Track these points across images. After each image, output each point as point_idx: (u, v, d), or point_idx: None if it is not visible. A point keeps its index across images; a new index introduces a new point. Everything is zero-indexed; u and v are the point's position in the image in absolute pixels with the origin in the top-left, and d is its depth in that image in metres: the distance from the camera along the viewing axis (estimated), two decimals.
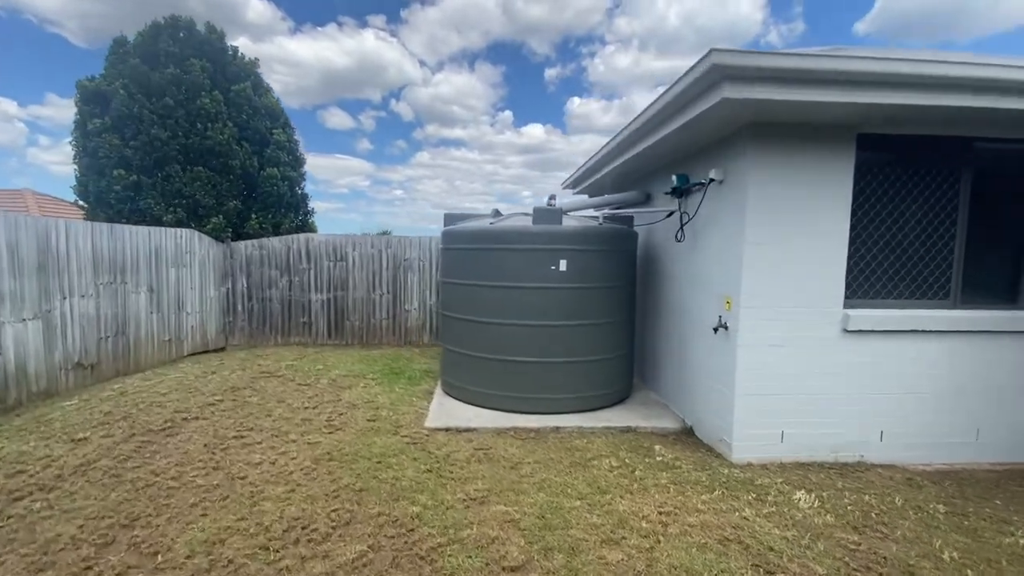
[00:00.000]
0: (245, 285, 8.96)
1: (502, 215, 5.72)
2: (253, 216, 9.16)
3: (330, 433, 4.52)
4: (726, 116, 3.71)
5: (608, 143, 5.86)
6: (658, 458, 4.16)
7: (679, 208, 5.00)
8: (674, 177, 5.00)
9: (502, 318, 5.09)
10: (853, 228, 4.04)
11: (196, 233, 8.10)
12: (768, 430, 4.12)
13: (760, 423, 4.10)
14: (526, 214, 5.65)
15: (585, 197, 7.87)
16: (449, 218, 6.01)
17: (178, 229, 7.72)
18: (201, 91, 8.90)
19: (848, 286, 4.08)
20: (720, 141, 4.34)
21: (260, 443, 4.24)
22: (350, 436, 4.45)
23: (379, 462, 3.89)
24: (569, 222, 5.17)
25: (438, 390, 5.89)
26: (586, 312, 5.06)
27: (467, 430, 4.70)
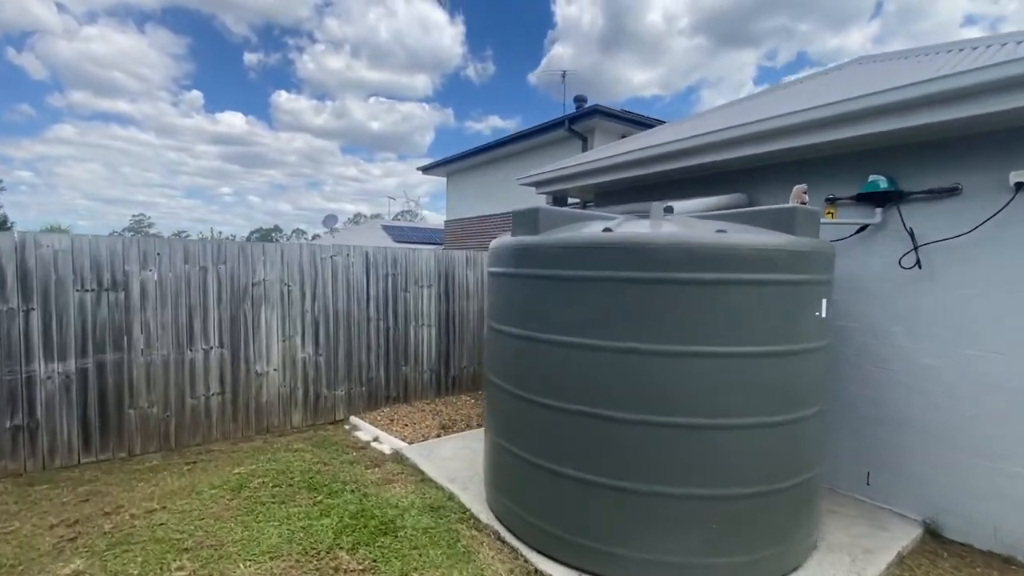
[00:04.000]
0: None
1: (657, 212, 3.19)
2: None
3: None
4: None
5: (738, 125, 4.05)
6: None
7: (902, 222, 3.59)
8: (880, 180, 3.59)
9: (701, 415, 2.65)
10: None
11: None
12: None
13: None
14: (665, 215, 3.29)
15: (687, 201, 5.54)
16: (539, 219, 3.08)
17: None
18: None
19: None
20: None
21: None
22: None
23: None
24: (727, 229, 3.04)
25: (553, 567, 2.92)
26: (815, 392, 3.03)
27: None
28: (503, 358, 3.33)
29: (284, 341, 5.48)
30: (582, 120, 10.97)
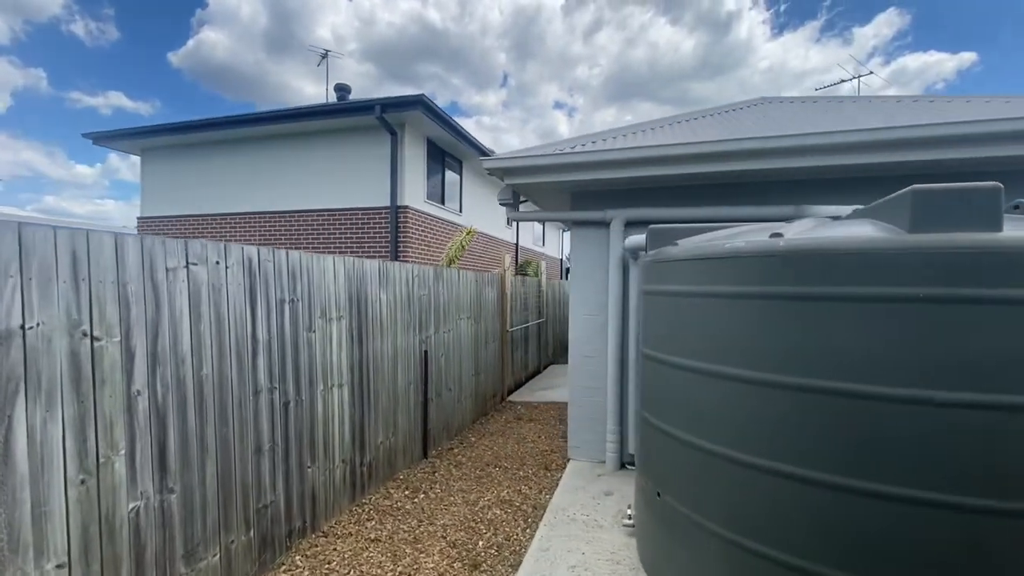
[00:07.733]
0: None
1: None
2: None
3: None
4: None
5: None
6: None
7: None
8: None
9: None
10: None
11: None
12: None
13: None
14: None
15: None
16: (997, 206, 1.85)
17: None
18: None
19: None
20: None
21: None
22: None
23: None
24: None
25: None
26: None
27: None
28: (814, 433, 1.93)
29: (83, 481, 2.14)
30: (399, 110, 9.09)
